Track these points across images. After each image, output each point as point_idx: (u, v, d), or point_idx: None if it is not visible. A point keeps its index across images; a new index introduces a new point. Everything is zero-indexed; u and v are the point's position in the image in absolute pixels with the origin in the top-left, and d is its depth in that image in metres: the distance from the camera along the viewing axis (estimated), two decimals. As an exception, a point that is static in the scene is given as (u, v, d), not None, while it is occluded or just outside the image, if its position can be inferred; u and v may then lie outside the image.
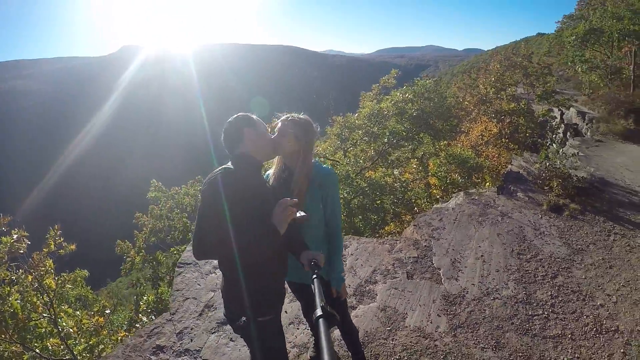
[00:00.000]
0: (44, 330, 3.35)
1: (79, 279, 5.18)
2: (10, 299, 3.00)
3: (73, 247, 3.78)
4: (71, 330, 3.48)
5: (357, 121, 11.87)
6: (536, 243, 4.31)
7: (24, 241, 3.28)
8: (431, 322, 3.18)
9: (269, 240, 1.61)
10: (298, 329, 3.32)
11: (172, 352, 3.11)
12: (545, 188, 5.68)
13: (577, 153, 6.16)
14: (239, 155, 1.78)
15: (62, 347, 3.38)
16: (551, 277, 3.67)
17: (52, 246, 3.53)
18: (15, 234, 3.28)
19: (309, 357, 2.89)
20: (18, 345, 3.11)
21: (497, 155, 9.42)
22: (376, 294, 3.69)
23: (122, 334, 4.12)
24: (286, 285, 2.18)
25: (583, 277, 3.67)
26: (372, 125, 11.68)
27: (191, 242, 1.64)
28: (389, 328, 3.17)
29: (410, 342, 2.97)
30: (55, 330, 3.41)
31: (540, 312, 3.17)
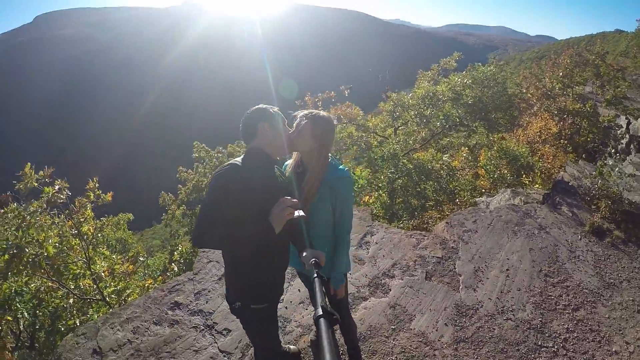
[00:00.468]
0: (78, 271, 3.75)
1: (122, 221, 5.63)
2: (46, 243, 3.37)
3: (109, 197, 4.09)
4: (102, 273, 3.87)
5: (410, 101, 11.44)
6: (567, 267, 4.05)
7: (65, 191, 3.61)
8: (436, 330, 3.15)
9: (263, 238, 1.65)
10: (306, 309, 3.43)
11: (187, 310, 3.36)
12: (592, 207, 5.23)
13: (635, 173, 5.54)
14: (251, 149, 1.81)
15: (93, 287, 3.80)
16: (573, 309, 3.46)
17: (92, 196, 3.85)
18: (57, 184, 3.61)
19: (309, 340, 3.01)
20: (54, 282, 3.54)
21: (552, 156, 8.71)
22: (390, 289, 3.69)
23: (149, 282, 4.51)
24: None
25: (606, 316, 3.41)
26: (425, 108, 11.21)
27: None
28: (393, 327, 3.19)
29: (411, 346, 2.98)
30: (88, 273, 3.81)
31: (551, 344, 3.03)
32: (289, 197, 1.70)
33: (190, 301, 3.46)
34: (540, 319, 3.29)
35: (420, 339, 3.06)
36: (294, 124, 2.00)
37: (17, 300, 2.97)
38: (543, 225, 4.85)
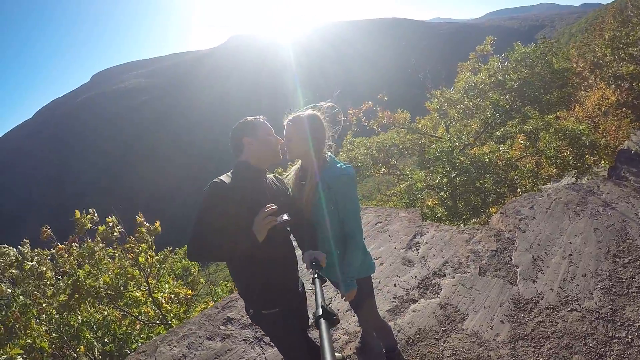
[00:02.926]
0: (141, 299, 4.11)
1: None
2: (102, 274, 3.74)
3: (158, 227, 4.42)
4: (162, 299, 4.18)
5: (453, 96, 11.07)
6: (639, 243, 3.58)
7: (117, 227, 4.01)
8: (491, 329, 2.96)
9: (250, 247, 1.69)
10: (354, 316, 3.41)
11: (239, 325, 3.51)
12: (667, 173, 4.60)
13: None
14: (238, 163, 1.88)
15: (157, 312, 4.12)
16: (649, 291, 3.05)
17: (143, 230, 4.21)
18: (110, 221, 4.03)
19: (355, 347, 2.98)
20: (119, 311, 3.91)
21: (615, 128, 7.82)
22: (441, 289, 3.55)
23: (211, 305, 4.78)
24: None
25: (693, 295, 2.96)
26: (468, 101, 10.75)
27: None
28: (444, 328, 3.05)
29: (463, 347, 2.82)
30: (150, 299, 4.15)
31: (624, 334, 2.68)
32: (269, 205, 1.71)
33: (242, 316, 3.60)
34: (610, 307, 2.95)
35: (473, 340, 2.89)
36: (284, 133, 2.00)
37: (86, 329, 3.34)
38: (608, 201, 4.36)
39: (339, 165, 2.01)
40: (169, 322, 4.08)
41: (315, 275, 1.47)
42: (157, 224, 4.38)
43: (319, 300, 1.18)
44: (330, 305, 1.59)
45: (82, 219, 3.91)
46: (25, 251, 3.92)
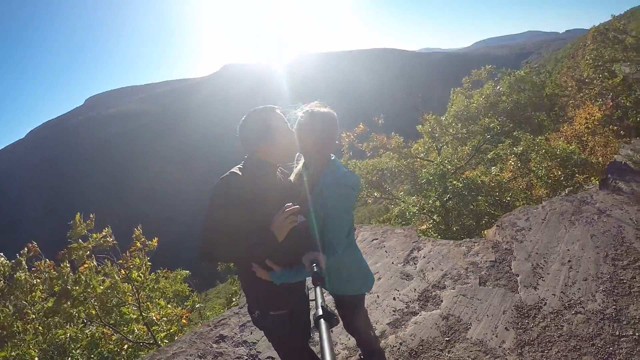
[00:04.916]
0: (132, 316, 3.91)
1: (178, 277, 5.86)
2: (93, 281, 3.55)
3: (155, 243, 4.30)
4: (154, 317, 3.99)
5: (446, 120, 11.32)
6: (636, 246, 3.58)
7: (110, 237, 3.88)
8: (496, 336, 2.86)
9: (265, 247, 1.62)
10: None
11: (232, 342, 3.35)
12: (655, 180, 4.68)
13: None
14: (252, 160, 1.77)
15: (147, 332, 3.92)
16: (651, 290, 3.01)
17: (138, 244, 4.09)
18: (104, 231, 3.91)
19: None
20: (108, 328, 3.72)
21: (604, 145, 8.03)
22: (442, 300, 3.46)
23: (203, 323, 4.58)
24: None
25: (694, 290, 2.93)
26: (461, 126, 10.98)
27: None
28: (447, 338, 2.95)
29: (468, 356, 2.72)
30: (141, 317, 3.96)
31: (631, 332, 2.62)
32: (290, 204, 1.63)
33: (235, 333, 3.45)
34: (614, 307, 2.89)
35: (478, 348, 2.79)
36: (296, 122, 1.84)
37: (72, 346, 3.15)
38: (602, 209, 4.39)
39: (341, 171, 1.85)
40: (158, 342, 3.87)
41: (315, 276, 1.44)
42: (155, 240, 4.25)
43: (319, 301, 1.17)
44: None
45: (78, 224, 3.77)
46: (22, 260, 3.70)
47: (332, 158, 1.90)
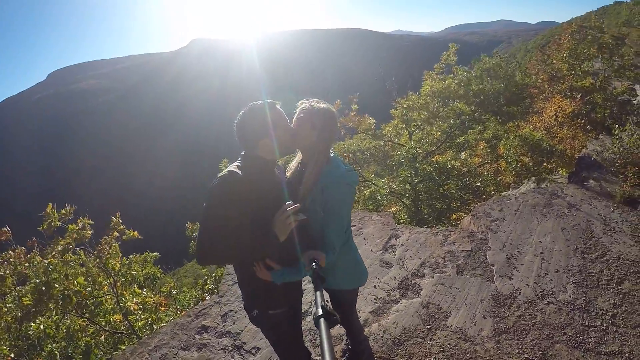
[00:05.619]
0: (109, 307, 3.77)
1: (148, 259, 5.69)
2: (74, 278, 3.38)
3: (136, 233, 4.13)
4: (132, 307, 3.87)
5: (419, 101, 11.38)
6: (604, 241, 3.82)
7: (88, 228, 3.69)
8: (475, 324, 2.99)
9: (268, 247, 1.60)
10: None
11: (215, 333, 3.31)
12: (620, 177, 4.97)
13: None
14: (249, 156, 1.72)
15: (124, 322, 3.80)
16: (617, 282, 3.24)
17: (115, 233, 3.91)
18: (80, 222, 3.70)
19: (341, 349, 2.89)
20: (84, 320, 3.57)
21: (571, 138, 8.40)
22: (421, 289, 3.56)
23: (183, 313, 4.50)
24: None
25: (656, 284, 3.18)
26: (433, 104, 11.07)
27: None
28: (428, 326, 3.05)
29: (449, 344, 2.83)
30: (118, 307, 3.82)
31: (599, 323, 2.82)
32: (290, 202, 1.60)
33: (218, 324, 3.41)
34: (583, 298, 3.09)
35: (458, 336, 2.91)
36: (294, 118, 1.82)
37: (49, 341, 3.00)
38: (572, 203, 4.63)
39: (341, 168, 1.84)
40: (136, 332, 3.77)
41: (315, 276, 1.43)
42: (135, 232, 4.06)
43: (319, 301, 1.15)
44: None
45: (51, 215, 3.53)
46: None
47: (332, 155, 1.88)
